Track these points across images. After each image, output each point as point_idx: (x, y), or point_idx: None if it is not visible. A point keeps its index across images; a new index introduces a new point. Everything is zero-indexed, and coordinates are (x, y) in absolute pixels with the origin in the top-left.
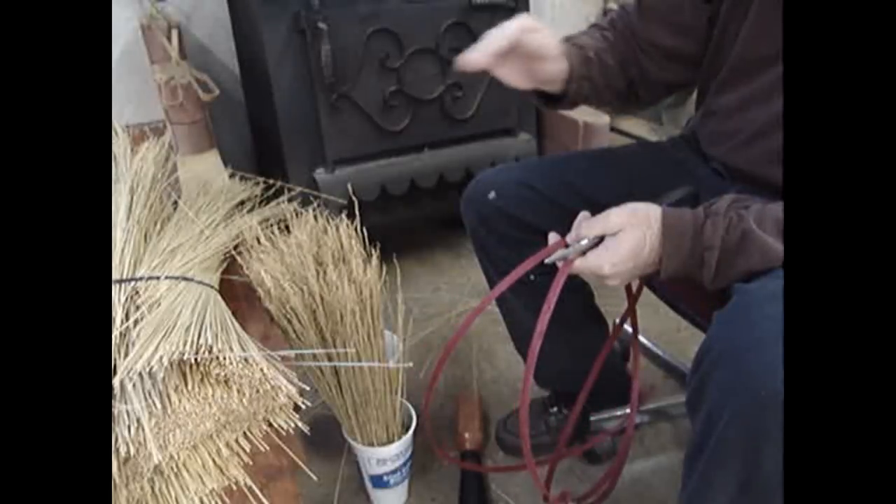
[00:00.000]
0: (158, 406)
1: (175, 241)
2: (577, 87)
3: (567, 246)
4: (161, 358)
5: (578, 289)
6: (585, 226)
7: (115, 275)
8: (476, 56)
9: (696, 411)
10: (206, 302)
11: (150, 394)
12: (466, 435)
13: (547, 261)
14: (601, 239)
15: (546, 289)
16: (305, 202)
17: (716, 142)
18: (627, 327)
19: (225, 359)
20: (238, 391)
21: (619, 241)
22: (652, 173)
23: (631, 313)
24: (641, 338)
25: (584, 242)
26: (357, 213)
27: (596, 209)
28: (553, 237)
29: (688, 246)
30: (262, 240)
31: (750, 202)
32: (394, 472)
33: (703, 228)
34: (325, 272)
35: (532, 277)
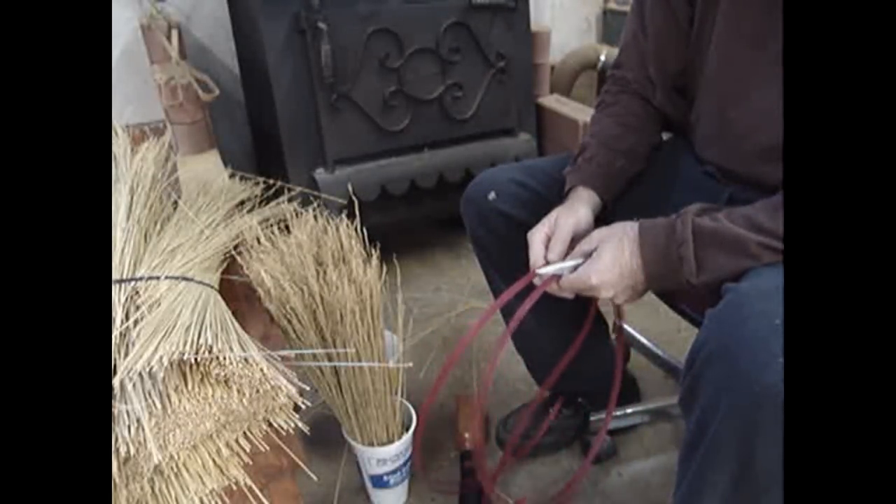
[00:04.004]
0: (158, 406)
1: (175, 241)
2: (621, 186)
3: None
4: (161, 358)
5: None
6: (575, 249)
7: (115, 275)
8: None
9: (690, 409)
10: (206, 302)
11: (150, 394)
12: (466, 435)
13: (539, 271)
14: (589, 257)
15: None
16: (305, 202)
17: (705, 144)
18: (627, 327)
19: (225, 359)
20: (238, 391)
21: (600, 252)
22: (648, 177)
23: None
24: (642, 338)
25: (573, 262)
26: (357, 213)
27: None
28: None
29: (662, 244)
30: (262, 240)
31: (720, 207)
32: (394, 472)
33: (674, 227)
34: (325, 272)
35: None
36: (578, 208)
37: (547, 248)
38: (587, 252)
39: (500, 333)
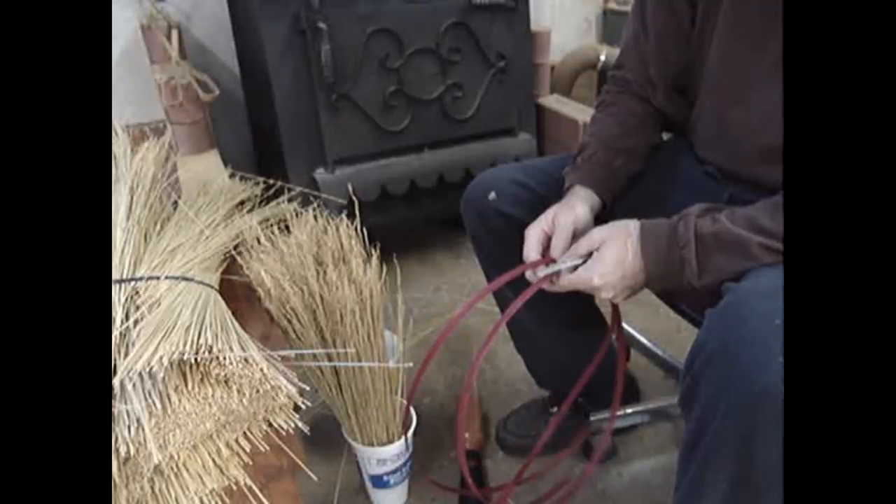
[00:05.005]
0: (158, 406)
1: (175, 241)
2: (621, 185)
3: (551, 263)
4: (161, 358)
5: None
6: (572, 247)
7: (115, 275)
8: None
9: (690, 409)
10: (206, 302)
11: (150, 394)
12: (466, 435)
13: (539, 273)
14: (588, 256)
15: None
16: (305, 202)
17: (706, 144)
18: (627, 327)
19: (225, 359)
20: (238, 391)
21: (603, 252)
22: (648, 177)
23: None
24: (642, 338)
25: (573, 261)
26: (357, 213)
27: None
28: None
29: (664, 246)
30: (262, 240)
31: (722, 208)
32: (394, 472)
33: (676, 229)
34: (325, 272)
35: (534, 277)
36: (576, 205)
37: (546, 246)
38: (586, 251)
39: (501, 332)
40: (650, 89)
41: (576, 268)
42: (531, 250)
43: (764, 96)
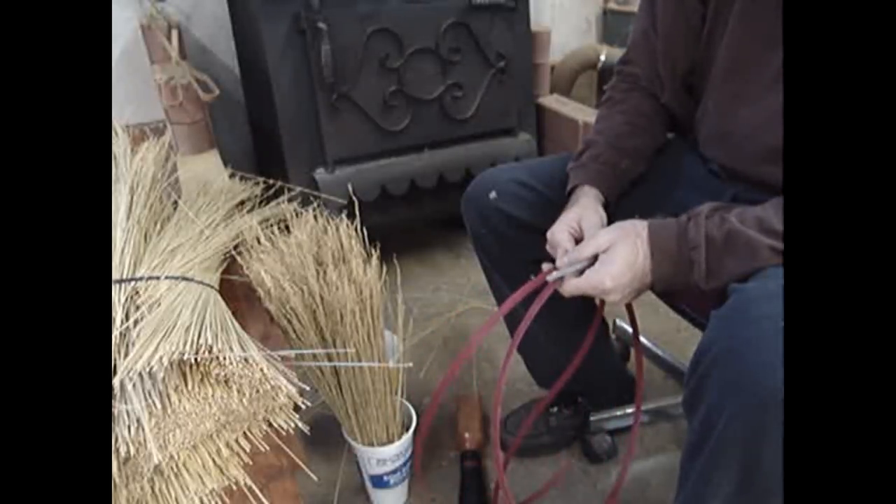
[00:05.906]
0: (158, 406)
1: (175, 241)
2: (623, 187)
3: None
4: (161, 358)
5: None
6: (577, 249)
7: (115, 275)
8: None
9: (694, 411)
10: (206, 302)
11: (150, 394)
12: (466, 435)
13: (548, 277)
14: (595, 259)
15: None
16: (305, 202)
17: (710, 143)
18: (627, 326)
19: (225, 359)
20: (238, 391)
21: (612, 254)
22: (650, 174)
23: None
24: (641, 338)
25: (579, 265)
26: (357, 213)
27: None
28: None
29: (674, 247)
30: (262, 240)
31: (731, 207)
32: (394, 472)
33: (686, 229)
34: (325, 272)
35: (533, 278)
36: (597, 207)
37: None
38: (592, 254)
39: (501, 332)
40: (658, 85)
41: (581, 271)
42: (563, 256)
43: (771, 97)
